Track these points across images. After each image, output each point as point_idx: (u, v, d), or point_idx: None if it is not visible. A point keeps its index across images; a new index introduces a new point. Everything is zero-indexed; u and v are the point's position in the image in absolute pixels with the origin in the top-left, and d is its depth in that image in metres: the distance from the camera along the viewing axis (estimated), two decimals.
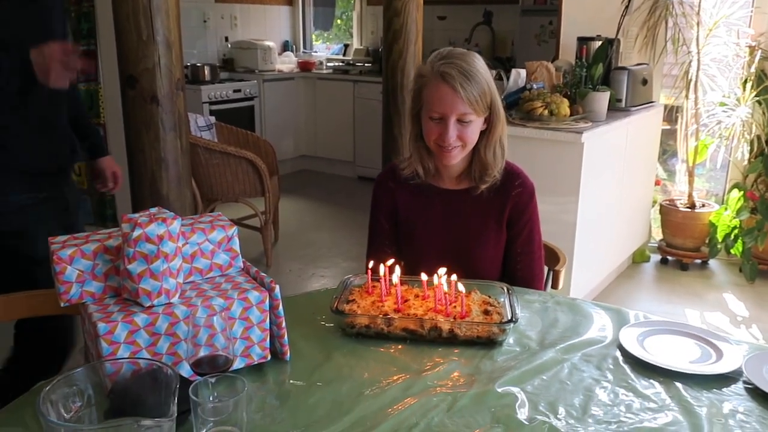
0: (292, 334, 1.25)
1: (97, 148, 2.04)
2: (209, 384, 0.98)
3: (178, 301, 1.13)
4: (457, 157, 1.58)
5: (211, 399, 0.98)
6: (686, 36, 3.62)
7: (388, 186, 1.70)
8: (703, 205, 3.85)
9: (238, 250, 1.27)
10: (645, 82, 3.52)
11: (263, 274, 1.22)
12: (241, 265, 1.28)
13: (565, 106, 2.97)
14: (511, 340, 1.32)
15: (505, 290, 1.44)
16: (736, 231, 3.66)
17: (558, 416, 1.07)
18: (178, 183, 1.73)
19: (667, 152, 4.19)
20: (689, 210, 3.80)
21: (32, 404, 1.06)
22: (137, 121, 1.68)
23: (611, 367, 1.23)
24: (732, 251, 3.70)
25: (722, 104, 3.68)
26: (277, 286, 1.18)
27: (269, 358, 1.21)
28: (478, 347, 1.30)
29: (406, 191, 1.68)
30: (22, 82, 1.65)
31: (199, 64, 5.27)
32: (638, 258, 3.94)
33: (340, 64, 6.04)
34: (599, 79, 3.21)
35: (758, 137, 3.65)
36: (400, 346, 1.30)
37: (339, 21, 6.78)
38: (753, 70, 3.60)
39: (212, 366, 1.04)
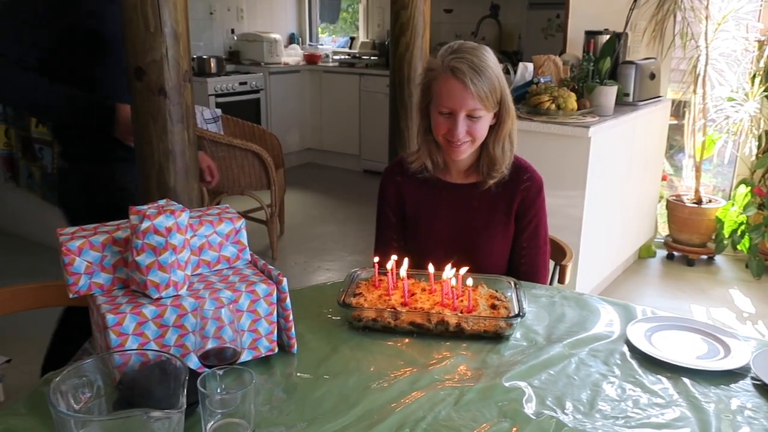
0: (299, 327, 1.25)
1: None
2: (217, 376, 0.98)
3: (186, 293, 1.13)
4: (465, 152, 1.57)
5: (218, 391, 0.98)
6: (695, 30, 3.59)
7: (395, 179, 1.70)
8: (710, 201, 3.83)
9: (246, 243, 1.27)
10: (653, 76, 3.50)
11: (271, 266, 1.22)
12: (249, 257, 1.28)
13: (572, 100, 2.96)
14: (518, 335, 1.32)
15: (513, 285, 1.44)
16: (743, 227, 3.64)
17: (565, 411, 1.07)
18: (186, 175, 1.72)
19: (674, 147, 4.17)
20: (696, 205, 3.78)
21: (43, 394, 1.07)
22: (145, 112, 1.67)
23: (618, 362, 1.23)
24: (739, 247, 3.68)
25: (730, 99, 3.66)
26: (285, 279, 1.18)
27: (276, 350, 1.21)
28: (485, 341, 1.29)
29: (414, 185, 1.67)
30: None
31: (205, 57, 5.27)
32: (644, 253, 3.93)
33: (346, 57, 6.03)
34: (607, 73, 3.19)
35: (766, 132, 3.62)
36: (406, 340, 1.30)
37: (345, 14, 6.76)
38: (762, 64, 3.58)
39: (220, 358, 1.04)
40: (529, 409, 1.07)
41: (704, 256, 3.86)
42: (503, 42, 5.59)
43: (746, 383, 1.16)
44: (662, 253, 3.99)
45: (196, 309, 1.10)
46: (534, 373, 1.18)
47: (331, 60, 6.14)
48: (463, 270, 1.37)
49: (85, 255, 1.12)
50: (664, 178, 4.10)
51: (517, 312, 1.32)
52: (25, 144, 3.79)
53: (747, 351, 1.23)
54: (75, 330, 1.84)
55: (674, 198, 3.90)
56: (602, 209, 3.10)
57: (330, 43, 6.64)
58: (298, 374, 1.18)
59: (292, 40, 6.42)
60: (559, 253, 1.86)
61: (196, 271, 1.21)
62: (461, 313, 1.32)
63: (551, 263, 1.80)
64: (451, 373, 1.18)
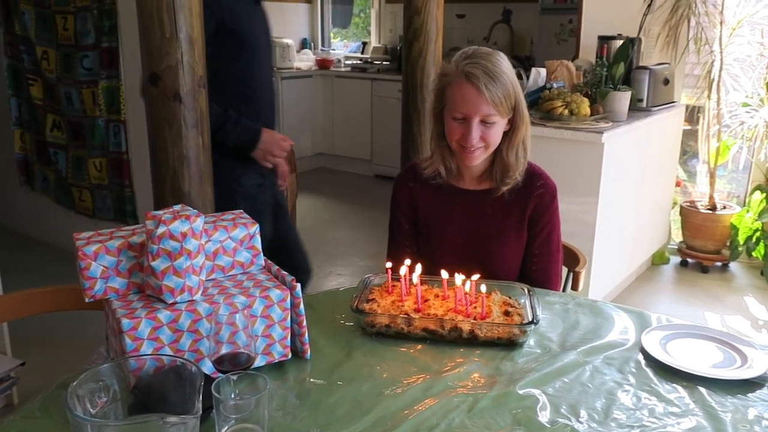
0: (312, 332, 1.26)
1: None
2: (231, 381, 0.98)
3: (200, 298, 1.14)
4: (479, 158, 1.57)
5: (232, 396, 0.98)
6: (709, 35, 3.57)
7: (408, 185, 1.70)
8: (725, 207, 3.80)
9: (260, 248, 1.27)
10: (666, 81, 3.48)
11: (284, 272, 1.22)
12: (263, 262, 1.28)
13: (585, 106, 2.95)
14: (531, 342, 1.32)
15: (526, 291, 1.43)
16: (757, 234, 3.60)
17: (580, 419, 1.06)
18: (200, 180, 1.73)
19: (687, 153, 4.14)
20: (710, 212, 3.75)
21: (57, 398, 1.08)
22: (160, 118, 1.69)
23: (633, 370, 1.22)
24: (753, 254, 3.64)
25: (745, 105, 3.63)
26: (299, 285, 1.19)
27: (290, 356, 1.21)
28: (499, 348, 1.29)
29: (427, 191, 1.67)
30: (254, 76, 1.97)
31: None
32: (657, 260, 3.90)
33: (358, 62, 6.04)
34: (620, 78, 3.18)
35: None
36: (419, 346, 1.30)
37: (357, 19, 6.78)
38: None
39: (234, 363, 1.04)
40: (544, 417, 1.07)
41: (718, 263, 3.82)
42: (515, 47, 5.58)
43: (764, 393, 1.15)
44: (676, 259, 3.96)
45: (210, 314, 1.11)
46: (548, 380, 1.17)
47: (343, 65, 6.16)
48: (476, 276, 1.37)
49: (101, 259, 1.13)
50: (677, 184, 4.07)
51: (530, 319, 1.32)
52: (40, 148, 3.82)
53: (764, 360, 1.22)
54: None
55: (688, 204, 3.87)
56: (616, 215, 3.08)
57: (342, 48, 6.66)
58: (312, 380, 1.18)
59: (304, 45, 6.44)
60: (573, 259, 1.85)
61: (210, 276, 1.22)
62: (475, 319, 1.31)
63: (564, 270, 1.79)
64: (465, 380, 1.18)
